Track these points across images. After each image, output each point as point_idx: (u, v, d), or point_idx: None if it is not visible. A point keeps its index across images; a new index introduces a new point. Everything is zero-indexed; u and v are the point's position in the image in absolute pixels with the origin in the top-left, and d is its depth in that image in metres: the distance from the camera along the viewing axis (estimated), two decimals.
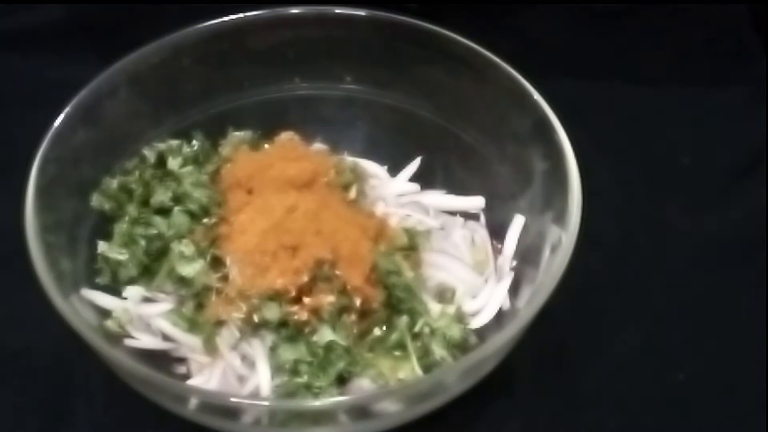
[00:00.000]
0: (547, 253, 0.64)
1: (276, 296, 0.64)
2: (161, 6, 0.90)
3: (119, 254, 0.68)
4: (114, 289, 0.68)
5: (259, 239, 0.65)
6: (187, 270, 0.66)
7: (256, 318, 0.64)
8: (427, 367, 0.64)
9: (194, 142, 0.74)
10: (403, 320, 0.65)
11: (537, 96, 0.68)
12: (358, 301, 0.64)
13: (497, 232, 0.73)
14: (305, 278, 0.64)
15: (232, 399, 0.61)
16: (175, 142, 0.73)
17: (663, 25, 0.94)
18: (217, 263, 0.66)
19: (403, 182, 0.77)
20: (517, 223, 0.71)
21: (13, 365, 0.70)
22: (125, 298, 0.68)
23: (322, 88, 0.77)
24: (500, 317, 0.69)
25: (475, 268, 0.71)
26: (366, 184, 0.75)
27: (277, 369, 0.63)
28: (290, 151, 0.72)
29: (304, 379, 0.62)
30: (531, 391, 0.70)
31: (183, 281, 0.66)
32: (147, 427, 0.66)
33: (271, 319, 0.64)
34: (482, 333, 0.68)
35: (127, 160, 0.72)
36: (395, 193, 0.75)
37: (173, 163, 0.71)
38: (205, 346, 0.65)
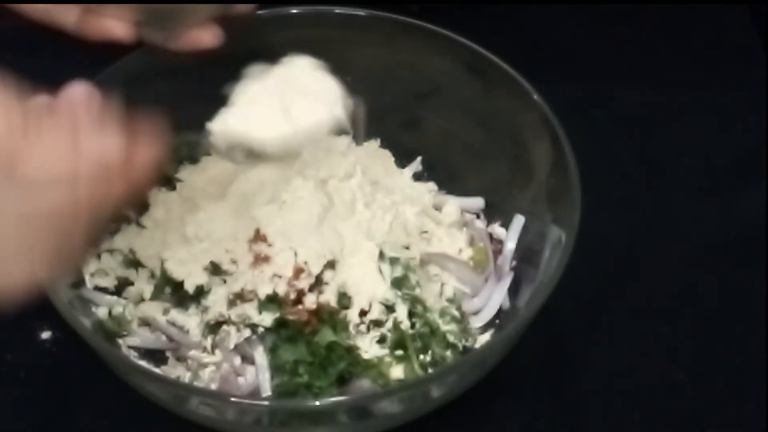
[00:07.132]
0: (547, 253, 0.64)
1: (275, 298, 0.64)
2: None
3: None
4: (114, 289, 0.68)
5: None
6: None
7: (255, 319, 0.64)
8: (427, 367, 0.64)
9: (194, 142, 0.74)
10: (403, 320, 0.65)
11: (537, 96, 0.68)
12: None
13: (497, 232, 0.73)
14: (306, 282, 0.64)
15: (232, 399, 0.61)
16: (173, 143, 0.73)
17: (663, 25, 0.94)
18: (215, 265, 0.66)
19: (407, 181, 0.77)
20: (517, 223, 0.71)
21: (13, 365, 0.70)
22: (125, 298, 0.68)
23: None
24: (500, 317, 0.69)
25: (475, 268, 0.71)
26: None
27: (277, 369, 0.63)
28: None
29: (304, 379, 0.62)
30: (531, 390, 0.70)
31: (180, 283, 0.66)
32: (147, 427, 0.66)
33: (270, 321, 0.64)
34: (482, 333, 0.68)
35: None
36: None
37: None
38: (205, 345, 0.65)
